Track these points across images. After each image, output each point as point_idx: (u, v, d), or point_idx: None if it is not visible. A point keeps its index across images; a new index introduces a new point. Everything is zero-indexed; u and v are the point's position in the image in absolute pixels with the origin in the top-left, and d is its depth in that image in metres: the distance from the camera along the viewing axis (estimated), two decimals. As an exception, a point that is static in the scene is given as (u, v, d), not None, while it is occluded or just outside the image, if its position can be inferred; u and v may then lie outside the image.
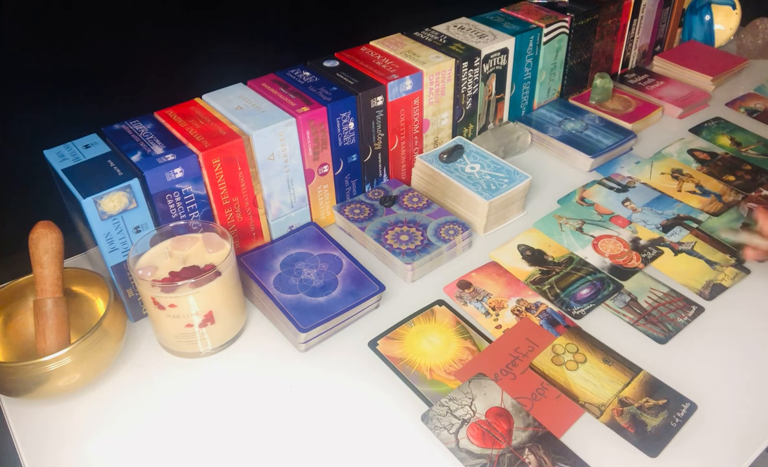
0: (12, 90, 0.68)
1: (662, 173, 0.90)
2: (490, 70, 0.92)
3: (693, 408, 0.59)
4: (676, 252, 0.77)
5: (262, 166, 0.72)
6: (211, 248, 0.65)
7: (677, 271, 0.74)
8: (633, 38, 1.13)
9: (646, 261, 0.75)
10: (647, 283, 0.73)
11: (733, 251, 0.76)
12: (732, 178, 0.89)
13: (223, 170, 0.68)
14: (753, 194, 0.86)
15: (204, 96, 0.77)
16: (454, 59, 0.85)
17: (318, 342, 0.67)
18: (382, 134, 0.83)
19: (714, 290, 0.71)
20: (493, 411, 0.58)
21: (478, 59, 0.88)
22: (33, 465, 0.56)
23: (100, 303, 0.67)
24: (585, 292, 0.72)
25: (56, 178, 0.66)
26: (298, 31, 0.88)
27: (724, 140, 0.98)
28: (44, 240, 0.59)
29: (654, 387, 0.60)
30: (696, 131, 1.01)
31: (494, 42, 0.90)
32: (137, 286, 0.63)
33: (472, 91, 0.91)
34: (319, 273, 0.71)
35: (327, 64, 0.84)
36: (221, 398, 0.62)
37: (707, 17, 1.23)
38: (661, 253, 0.76)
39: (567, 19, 0.99)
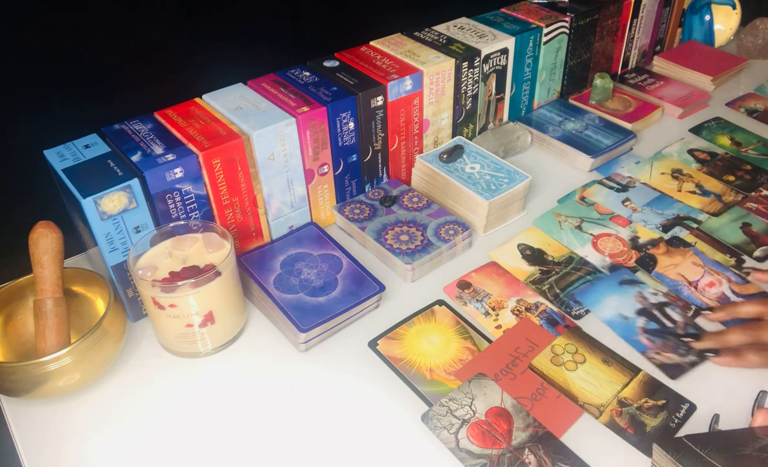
0: (12, 90, 0.68)
1: (662, 173, 0.90)
2: (490, 70, 0.92)
3: (692, 408, 0.59)
4: (676, 252, 0.77)
5: (262, 166, 0.72)
6: (211, 248, 0.65)
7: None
8: (633, 38, 1.13)
9: (646, 261, 0.75)
10: (647, 283, 0.73)
11: (734, 251, 0.76)
12: (732, 178, 0.89)
13: (223, 170, 0.68)
14: (753, 194, 0.86)
15: (204, 96, 0.77)
16: (454, 59, 0.85)
17: (318, 342, 0.67)
18: (382, 134, 0.83)
19: (714, 290, 0.71)
20: (493, 411, 0.58)
21: (478, 59, 0.88)
22: (33, 465, 0.57)
23: (100, 303, 0.67)
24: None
25: (56, 178, 0.66)
26: (298, 31, 0.88)
27: (724, 140, 0.98)
28: (44, 240, 0.59)
29: (653, 388, 0.60)
30: (696, 131, 1.01)
31: (494, 42, 0.90)
32: (137, 286, 0.63)
33: (472, 91, 0.91)
34: (319, 273, 0.71)
35: (327, 64, 0.84)
36: (221, 398, 0.62)
37: (707, 17, 1.23)
38: (660, 253, 0.76)
39: (567, 19, 0.99)
